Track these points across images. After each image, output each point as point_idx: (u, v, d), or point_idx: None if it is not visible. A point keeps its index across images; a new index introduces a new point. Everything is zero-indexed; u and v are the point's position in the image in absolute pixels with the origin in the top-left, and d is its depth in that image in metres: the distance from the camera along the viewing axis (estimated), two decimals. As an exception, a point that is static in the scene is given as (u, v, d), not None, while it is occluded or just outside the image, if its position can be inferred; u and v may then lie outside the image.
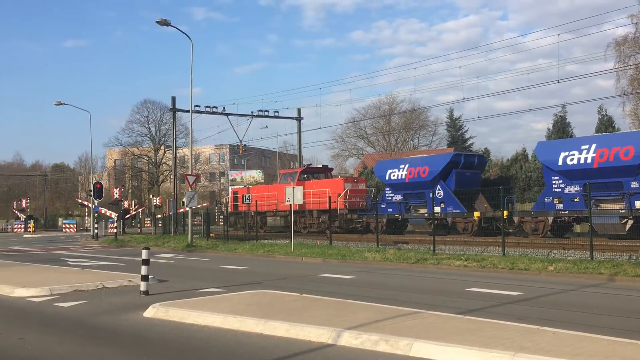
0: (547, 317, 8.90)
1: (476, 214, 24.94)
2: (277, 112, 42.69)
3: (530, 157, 33.73)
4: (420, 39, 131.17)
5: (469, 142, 66.73)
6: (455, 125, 66.92)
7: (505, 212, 23.86)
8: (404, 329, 7.62)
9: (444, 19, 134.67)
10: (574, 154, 21.89)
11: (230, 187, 48.25)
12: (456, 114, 67.35)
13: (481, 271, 15.79)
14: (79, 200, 56.96)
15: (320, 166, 38.97)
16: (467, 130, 67.48)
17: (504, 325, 7.84)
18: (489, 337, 7.10)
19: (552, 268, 15.08)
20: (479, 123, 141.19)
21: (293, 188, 23.14)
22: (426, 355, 6.72)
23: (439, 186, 26.40)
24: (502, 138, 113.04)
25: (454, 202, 25.76)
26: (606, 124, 39.11)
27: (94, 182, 41.59)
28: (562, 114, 51.81)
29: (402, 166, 28.38)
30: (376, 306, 9.49)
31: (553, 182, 22.74)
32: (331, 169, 37.80)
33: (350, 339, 7.35)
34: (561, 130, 49.28)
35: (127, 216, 44.44)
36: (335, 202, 28.68)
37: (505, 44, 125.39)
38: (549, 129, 58.82)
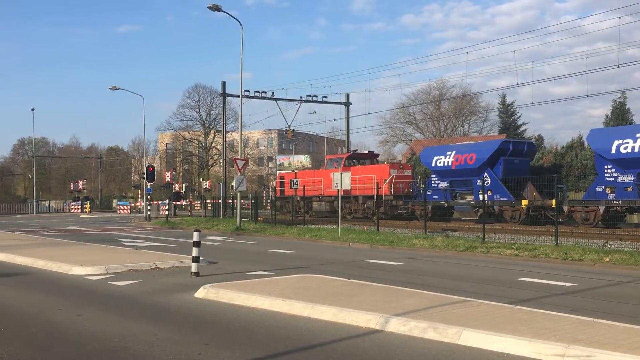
0: (602, 310, 8.65)
1: (524, 202, 24.45)
2: (326, 97, 42.69)
3: (586, 145, 32.65)
4: (473, 22, 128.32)
5: (521, 129, 65.19)
6: (507, 111, 65.42)
7: (554, 201, 23.34)
8: (452, 317, 7.54)
9: (498, 1, 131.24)
10: (628, 142, 21.20)
11: (277, 172, 48.67)
12: (509, 100, 65.89)
13: (532, 261, 15.46)
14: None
15: (367, 152, 38.82)
16: (519, 117, 65.94)
17: (557, 317, 7.66)
18: (541, 328, 6.96)
19: (607, 259, 14.61)
20: (532, 109, 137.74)
21: (341, 173, 23.13)
22: (475, 344, 6.64)
23: (486, 173, 25.95)
24: (557, 125, 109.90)
25: (501, 190, 25.29)
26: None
27: (146, 165, 42.67)
28: (621, 100, 49.92)
29: (448, 153, 28.00)
30: (424, 293, 9.43)
31: (606, 170, 22.12)
32: (377, 155, 37.59)
33: (398, 326, 7.33)
34: (620, 117, 47.46)
35: (179, 202, 45.54)
36: (381, 188, 28.59)
37: (562, 27, 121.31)
38: (607, 116, 56.81)
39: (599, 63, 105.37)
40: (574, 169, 29.96)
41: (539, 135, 65.34)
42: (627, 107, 56.39)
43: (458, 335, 6.83)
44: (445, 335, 6.91)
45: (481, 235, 19.47)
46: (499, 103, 66.32)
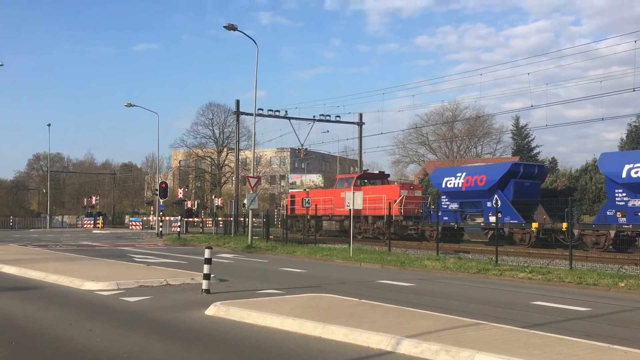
0: (617, 336, 8.50)
1: (534, 225, 24.36)
2: (339, 116, 42.83)
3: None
4: (487, 44, 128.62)
5: (535, 151, 64.83)
6: (521, 134, 65.18)
7: (565, 224, 23.22)
8: (465, 339, 7.44)
9: (512, 24, 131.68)
10: (638, 167, 21.11)
11: (289, 190, 48.72)
12: (523, 122, 65.65)
13: (546, 284, 15.26)
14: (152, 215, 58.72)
15: (377, 172, 38.84)
16: (533, 139, 65.62)
17: (572, 342, 7.53)
18: (555, 353, 6.84)
19: (623, 284, 14.40)
20: (546, 131, 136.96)
21: (353, 193, 23.09)
22: (488, 368, 6.54)
23: (496, 196, 25.95)
24: (571, 147, 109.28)
25: (511, 212, 25.18)
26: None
27: (159, 181, 42.92)
28: (637, 124, 49.57)
29: (459, 174, 28.01)
30: (437, 315, 9.33)
31: (616, 194, 22.04)
32: (388, 175, 37.58)
33: (410, 347, 7.25)
34: (635, 140, 47.11)
35: (190, 219, 45.67)
36: (391, 208, 28.55)
37: (577, 50, 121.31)
38: (622, 139, 56.38)
39: (614, 86, 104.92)
40: (588, 193, 29.73)
41: (553, 158, 64.93)
42: (642, 131, 55.98)
43: (471, 359, 6.73)
44: (457, 359, 6.81)
45: (494, 258, 19.29)
46: (512, 125, 66.14)
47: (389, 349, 7.35)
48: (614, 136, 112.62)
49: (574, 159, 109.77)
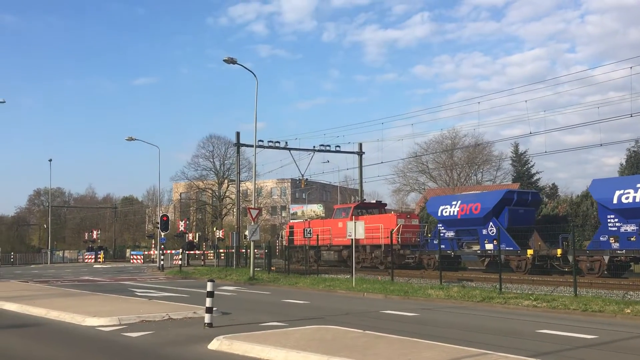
0: (626, 363, 8.40)
1: (529, 251, 24.47)
2: (339, 146, 43.04)
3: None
4: (484, 72, 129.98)
5: (535, 177, 64.96)
6: (520, 160, 65.38)
7: (559, 251, 23.51)
8: (471, 370, 7.36)
9: (508, 52, 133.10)
10: (629, 192, 21.36)
11: (289, 221, 48.65)
12: (522, 149, 65.93)
13: (552, 312, 15.14)
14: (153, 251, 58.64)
15: (375, 201, 38.92)
16: (533, 165, 65.78)
17: (579, 371, 7.44)
18: (563, 382, 6.76)
19: (629, 310, 14.27)
20: (546, 158, 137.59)
21: (355, 223, 23.08)
22: (496, 399, 6.45)
23: (491, 223, 26.09)
24: (571, 173, 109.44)
25: (506, 240, 25.28)
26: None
27: (160, 214, 42.87)
28: (635, 149, 49.79)
29: (454, 202, 28.18)
30: (442, 345, 9.23)
31: (609, 220, 22.22)
32: (385, 205, 37.66)
33: (415, 379, 7.16)
34: (635, 165, 47.27)
35: (192, 252, 45.52)
36: (388, 237, 28.71)
37: (573, 77, 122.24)
38: (621, 164, 56.58)
39: (611, 112, 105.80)
40: (590, 218, 29.69)
41: (554, 184, 65.13)
42: (641, 156, 56.18)
43: (478, 390, 6.65)
44: (464, 390, 6.73)
45: (497, 286, 19.18)
46: (511, 152, 66.38)
47: (394, 381, 7.26)
48: (613, 161, 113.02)
49: (574, 184, 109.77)
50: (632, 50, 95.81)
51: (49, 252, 63.61)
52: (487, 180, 66.39)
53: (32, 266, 56.25)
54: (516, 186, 50.56)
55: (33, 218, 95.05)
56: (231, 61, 28.03)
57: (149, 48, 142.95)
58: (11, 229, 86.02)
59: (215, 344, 9.70)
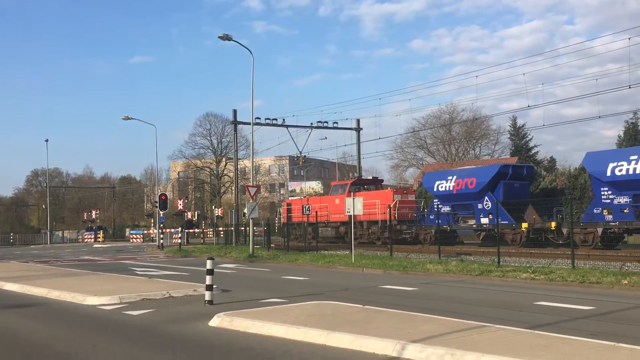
0: (622, 334, 8.49)
1: (524, 225, 24.67)
2: (337, 123, 42.89)
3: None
4: (482, 46, 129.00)
5: (533, 151, 64.87)
6: (518, 134, 65.25)
7: (554, 224, 23.77)
8: (470, 343, 7.43)
9: (506, 25, 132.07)
10: (622, 165, 21.52)
11: (286, 198, 48.73)
12: (520, 122, 65.69)
13: (549, 284, 15.26)
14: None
15: (371, 177, 38.98)
16: (531, 139, 65.66)
17: (576, 341, 7.53)
18: (560, 353, 6.83)
19: (626, 282, 14.39)
20: (544, 131, 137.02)
21: (353, 199, 23.10)
22: (495, 370, 6.53)
23: (486, 197, 26.24)
24: (570, 146, 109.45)
25: (502, 213, 25.44)
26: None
27: (159, 193, 42.87)
28: (633, 121, 49.67)
29: (449, 178, 28.29)
30: (441, 319, 9.32)
31: (602, 193, 22.43)
32: (381, 181, 37.75)
33: (415, 352, 7.24)
34: (633, 137, 47.23)
35: (191, 230, 45.63)
36: (384, 213, 28.84)
37: (571, 49, 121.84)
38: (619, 136, 56.51)
39: (610, 84, 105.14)
40: (588, 191, 29.77)
41: (552, 157, 65.06)
42: (639, 128, 56.12)
43: (476, 362, 6.72)
44: (463, 362, 6.80)
45: (496, 259, 19.30)
46: (509, 126, 66.18)
47: (394, 354, 7.34)
48: (611, 133, 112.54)
49: (573, 157, 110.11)
50: (631, 20, 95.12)
51: (48, 233, 63.78)
52: (485, 155, 66.38)
53: (31, 247, 56.45)
54: (514, 160, 50.54)
55: (31, 199, 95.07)
56: (227, 38, 27.75)
57: (145, 26, 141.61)
58: (10, 210, 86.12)
59: (216, 321, 9.77)
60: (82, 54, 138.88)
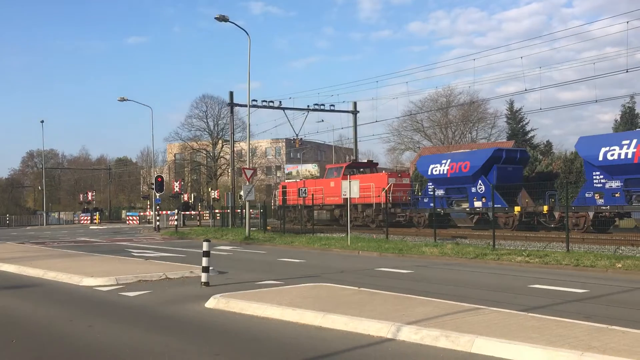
0: (615, 316, 8.56)
1: (517, 208, 24.87)
2: (333, 105, 42.79)
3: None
4: (480, 29, 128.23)
5: (530, 135, 64.95)
6: (515, 118, 65.24)
7: (546, 207, 23.95)
8: (464, 325, 7.49)
9: (505, 7, 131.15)
10: (614, 149, 21.67)
11: (284, 181, 48.73)
12: (517, 106, 65.72)
13: (544, 267, 15.35)
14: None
15: (366, 161, 39.07)
16: (528, 123, 65.71)
17: (570, 324, 7.59)
18: (554, 335, 6.89)
19: (620, 265, 14.49)
20: (541, 115, 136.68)
21: (350, 182, 23.10)
22: (488, 352, 6.59)
23: (480, 181, 26.40)
24: (566, 130, 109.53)
25: (495, 197, 25.58)
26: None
27: (155, 175, 42.82)
28: (630, 105, 49.68)
29: (443, 161, 28.40)
30: (436, 301, 9.37)
31: (594, 177, 22.61)
32: (376, 164, 37.88)
33: (410, 334, 7.29)
34: (629, 121, 47.27)
35: (187, 212, 45.65)
36: (379, 196, 28.91)
37: (570, 33, 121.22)
38: (616, 121, 56.54)
39: (607, 68, 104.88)
40: (583, 175, 29.88)
41: (548, 141, 65.12)
42: (636, 112, 56.13)
43: (470, 344, 6.78)
44: (457, 344, 6.86)
45: (491, 243, 19.39)
46: (506, 109, 66.16)
47: (389, 336, 7.40)
48: (608, 117, 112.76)
49: (569, 141, 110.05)
50: (629, 3, 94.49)
51: (44, 214, 63.72)
52: (482, 138, 66.38)
53: (27, 228, 56.42)
54: (510, 144, 50.56)
55: (27, 180, 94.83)
56: (223, 19, 27.51)
57: (140, 5, 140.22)
58: (5, 191, 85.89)
59: (213, 302, 9.81)
60: (77, 33, 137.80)
